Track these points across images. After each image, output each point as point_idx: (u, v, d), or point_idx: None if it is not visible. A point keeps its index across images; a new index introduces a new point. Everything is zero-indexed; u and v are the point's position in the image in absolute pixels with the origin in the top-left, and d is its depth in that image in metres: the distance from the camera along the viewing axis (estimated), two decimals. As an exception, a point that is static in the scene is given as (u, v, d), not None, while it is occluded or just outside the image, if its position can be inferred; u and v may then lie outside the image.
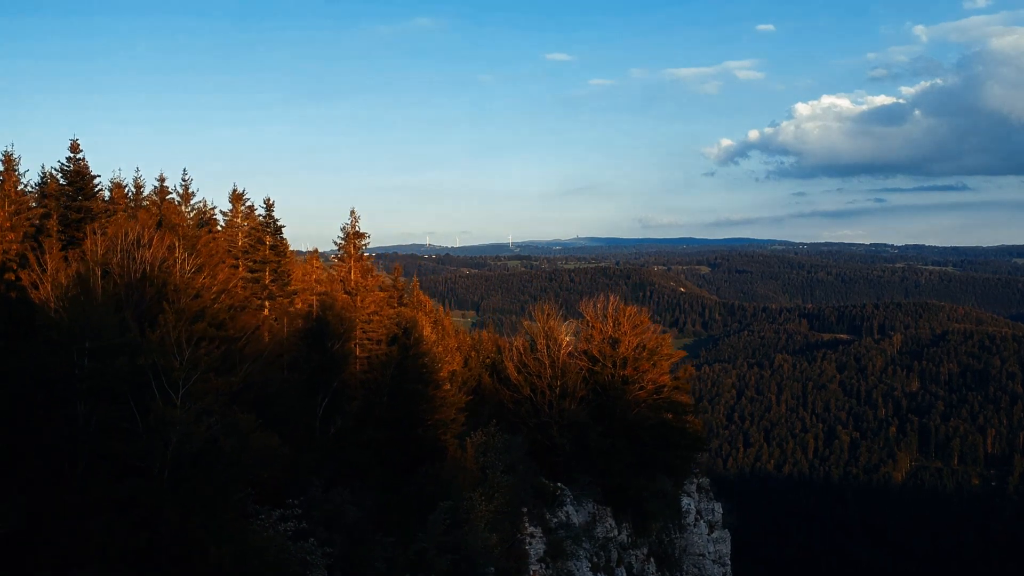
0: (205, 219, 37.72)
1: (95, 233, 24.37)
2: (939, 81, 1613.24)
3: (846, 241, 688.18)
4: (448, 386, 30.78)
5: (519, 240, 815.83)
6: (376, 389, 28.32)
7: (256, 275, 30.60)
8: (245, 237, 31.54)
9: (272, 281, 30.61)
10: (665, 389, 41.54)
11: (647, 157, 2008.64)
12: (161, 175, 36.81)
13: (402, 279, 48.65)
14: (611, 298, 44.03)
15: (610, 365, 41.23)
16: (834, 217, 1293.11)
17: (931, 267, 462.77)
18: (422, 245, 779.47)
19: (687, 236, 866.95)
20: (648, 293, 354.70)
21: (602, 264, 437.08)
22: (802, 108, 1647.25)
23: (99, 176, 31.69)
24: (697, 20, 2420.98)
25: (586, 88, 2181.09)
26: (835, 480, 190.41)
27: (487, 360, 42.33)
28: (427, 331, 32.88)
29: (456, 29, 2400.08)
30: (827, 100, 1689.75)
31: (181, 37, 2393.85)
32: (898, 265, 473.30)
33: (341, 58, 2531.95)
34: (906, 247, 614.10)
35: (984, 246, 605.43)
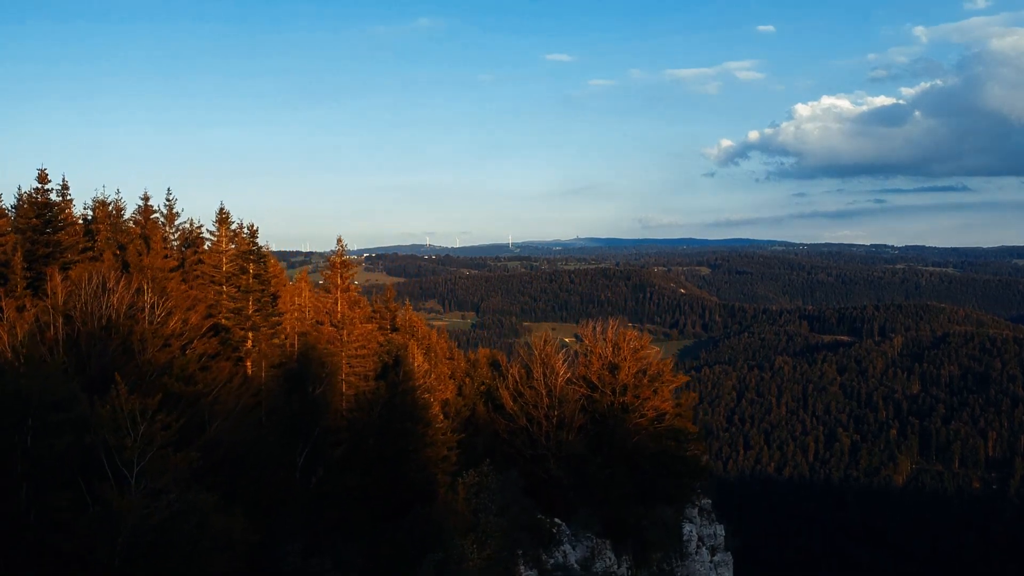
0: (191, 239, 36.71)
1: (61, 276, 23.05)
2: (939, 82, 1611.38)
3: (846, 242, 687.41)
4: (440, 421, 29.66)
5: (519, 240, 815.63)
6: (363, 429, 27.15)
7: (239, 305, 29.28)
8: (229, 263, 30.37)
9: (256, 311, 29.24)
10: (667, 417, 40.25)
11: (647, 157, 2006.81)
12: (145, 194, 35.78)
13: (394, 302, 46.92)
14: (611, 322, 42.59)
15: (609, 392, 39.92)
16: (834, 218, 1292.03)
17: (931, 268, 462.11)
18: (422, 245, 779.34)
19: (687, 236, 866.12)
20: (648, 294, 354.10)
21: (602, 265, 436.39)
22: (802, 109, 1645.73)
23: (74, 200, 30.84)
24: (697, 21, 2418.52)
25: (586, 89, 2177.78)
26: (836, 483, 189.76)
27: (482, 387, 40.54)
28: (418, 360, 31.74)
29: (456, 30, 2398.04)
30: (827, 101, 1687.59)
31: (181, 38, 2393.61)
32: (898, 266, 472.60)
33: (341, 58, 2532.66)
34: (906, 248, 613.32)
35: (984, 247, 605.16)
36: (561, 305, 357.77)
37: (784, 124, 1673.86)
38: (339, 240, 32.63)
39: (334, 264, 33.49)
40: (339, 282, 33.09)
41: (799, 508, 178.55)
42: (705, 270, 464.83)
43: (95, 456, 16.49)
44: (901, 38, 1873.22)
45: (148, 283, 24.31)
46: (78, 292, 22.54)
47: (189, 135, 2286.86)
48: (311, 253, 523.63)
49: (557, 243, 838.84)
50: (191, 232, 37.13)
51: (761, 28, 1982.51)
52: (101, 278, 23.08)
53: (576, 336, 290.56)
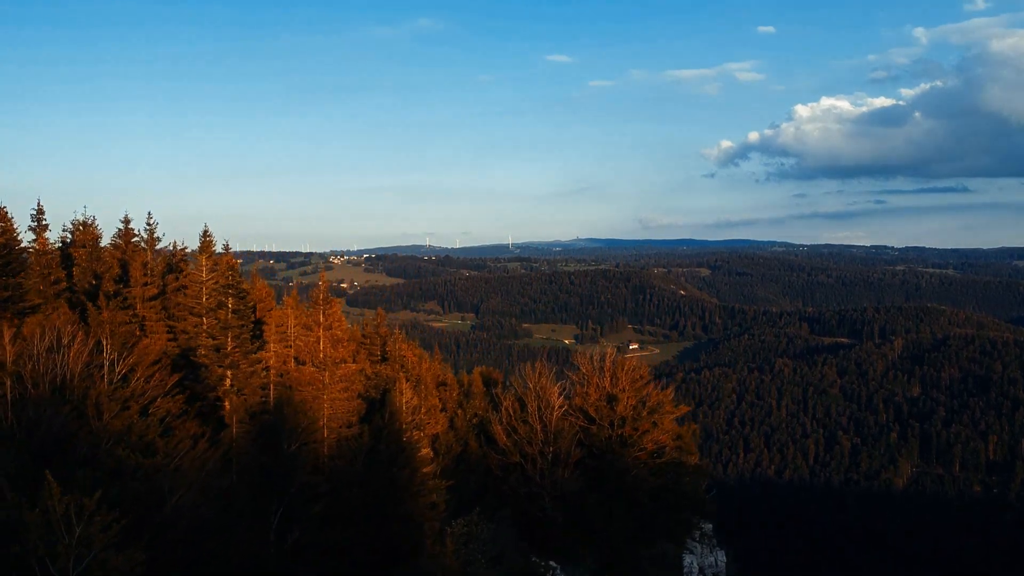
0: (174, 263, 35.88)
1: (12, 331, 21.43)
2: (939, 83, 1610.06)
3: (846, 243, 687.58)
4: (428, 464, 28.66)
5: (519, 241, 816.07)
6: (345, 478, 26.00)
7: (217, 342, 28.05)
8: (208, 296, 29.15)
9: (235, 347, 28.11)
10: (667, 450, 38.94)
11: (647, 158, 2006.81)
12: (126, 217, 34.98)
13: (384, 327, 45.59)
14: (608, 351, 41.20)
15: (607, 425, 38.56)
16: (834, 218, 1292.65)
17: (932, 269, 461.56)
18: (422, 246, 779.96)
19: (687, 237, 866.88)
20: (648, 296, 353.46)
21: (602, 266, 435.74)
22: (802, 110, 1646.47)
23: (50, 225, 29.99)
24: (697, 22, 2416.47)
25: (586, 89, 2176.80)
26: (836, 486, 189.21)
27: (474, 420, 39.24)
28: (407, 396, 30.68)
29: (456, 30, 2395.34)
30: (827, 102, 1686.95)
31: (181, 39, 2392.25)
32: (899, 267, 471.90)
33: (342, 59, 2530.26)
34: (906, 249, 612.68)
35: (984, 248, 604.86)
36: (561, 307, 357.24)
37: (784, 125, 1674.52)
38: (322, 274, 31.60)
39: (316, 300, 31.77)
40: (321, 320, 31.47)
41: (799, 511, 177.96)
42: (705, 271, 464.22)
43: (26, 564, 14.52)
44: (901, 39, 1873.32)
45: (108, 338, 22.60)
46: (30, 349, 21.06)
47: (189, 136, 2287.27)
48: (311, 254, 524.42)
49: (557, 244, 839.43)
50: (174, 255, 36.38)
51: (761, 29, 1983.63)
52: (56, 333, 21.56)
53: (576, 337, 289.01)
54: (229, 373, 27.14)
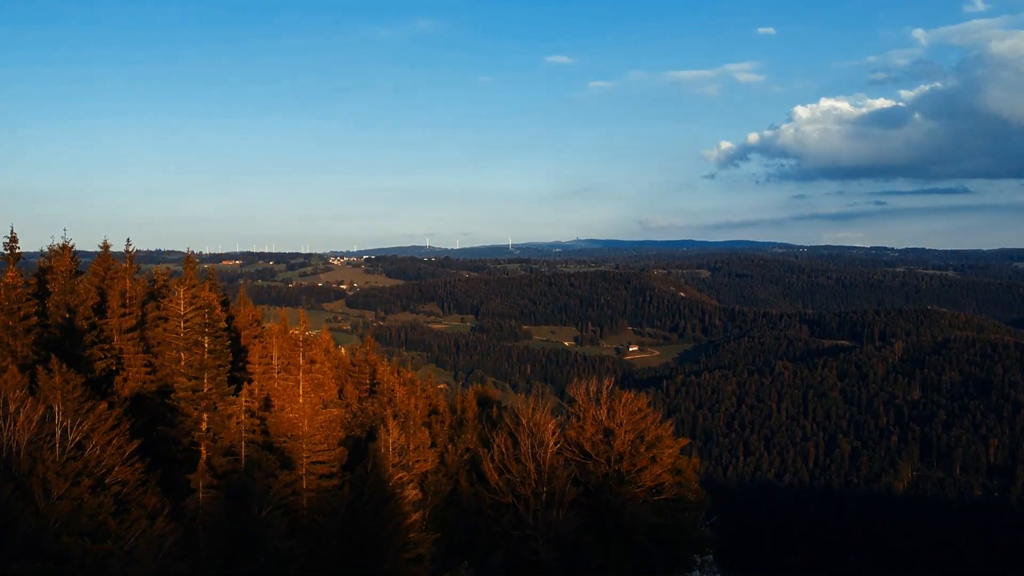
0: (156, 290, 34.85)
1: None
2: (939, 84, 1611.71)
3: (846, 244, 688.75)
4: (416, 513, 27.28)
5: (519, 242, 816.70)
6: (325, 534, 24.44)
7: (192, 384, 26.47)
8: (186, 330, 28.16)
9: (212, 388, 26.58)
10: (666, 487, 37.30)
11: (647, 159, 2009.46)
12: (104, 242, 33.96)
13: (374, 354, 43.93)
14: (606, 381, 39.55)
15: (604, 461, 37.16)
16: (834, 219, 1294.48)
17: (932, 271, 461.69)
18: (422, 247, 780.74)
19: (687, 238, 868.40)
20: (648, 298, 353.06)
21: (602, 268, 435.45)
22: (801, 111, 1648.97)
23: (23, 253, 28.93)
24: (697, 23, 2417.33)
25: (586, 90, 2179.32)
26: (836, 489, 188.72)
27: (466, 455, 37.39)
28: (394, 435, 29.38)
29: (456, 31, 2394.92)
30: (826, 103, 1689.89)
31: (181, 39, 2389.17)
32: (899, 269, 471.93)
33: (341, 59, 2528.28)
34: (906, 250, 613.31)
35: (984, 249, 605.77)
36: (561, 308, 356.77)
37: (784, 126, 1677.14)
38: (302, 316, 30.10)
39: (295, 341, 29.84)
40: (301, 362, 29.45)
41: (799, 514, 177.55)
42: (705, 273, 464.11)
43: None
44: (901, 40, 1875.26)
45: (59, 404, 20.38)
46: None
47: (189, 136, 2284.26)
48: (311, 255, 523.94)
49: (557, 244, 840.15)
50: (156, 281, 35.32)
51: (761, 30, 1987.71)
52: (2, 400, 19.45)
53: (576, 339, 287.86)
54: (206, 416, 25.91)
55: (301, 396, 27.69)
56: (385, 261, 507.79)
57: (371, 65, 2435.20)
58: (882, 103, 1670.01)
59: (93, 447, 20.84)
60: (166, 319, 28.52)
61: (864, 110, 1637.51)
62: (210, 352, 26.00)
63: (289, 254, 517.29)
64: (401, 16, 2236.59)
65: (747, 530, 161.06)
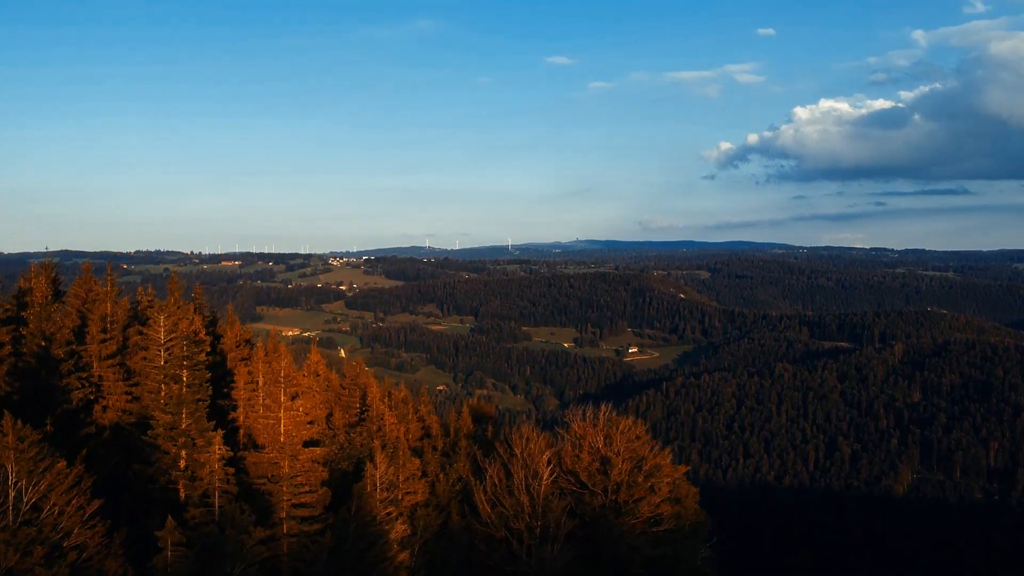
0: (140, 311, 33.80)
1: None
2: (938, 85, 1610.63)
3: (846, 245, 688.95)
4: (404, 553, 26.29)
5: (518, 242, 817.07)
6: None
7: (169, 420, 25.27)
8: (166, 360, 26.98)
9: (191, 423, 25.37)
10: (665, 518, 36.08)
11: (647, 160, 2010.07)
12: (86, 263, 33.31)
13: (364, 375, 42.34)
14: (602, 407, 38.25)
15: (600, 492, 35.95)
16: (834, 220, 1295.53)
17: (932, 272, 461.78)
18: (421, 247, 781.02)
19: (687, 239, 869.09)
20: (648, 299, 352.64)
21: (601, 269, 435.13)
22: (801, 112, 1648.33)
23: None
24: (697, 24, 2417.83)
25: (586, 91, 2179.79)
26: (836, 492, 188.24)
27: (458, 485, 35.86)
28: (382, 468, 28.33)
29: (456, 32, 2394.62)
30: (826, 104, 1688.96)
31: (180, 40, 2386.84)
32: (898, 271, 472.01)
33: (341, 59, 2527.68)
34: (906, 251, 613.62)
35: (984, 250, 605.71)
36: (560, 309, 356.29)
37: (783, 127, 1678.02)
38: (282, 350, 27.78)
39: (276, 376, 27.70)
40: (281, 399, 27.55)
41: (799, 517, 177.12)
42: (705, 274, 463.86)
43: None
44: (901, 41, 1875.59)
45: (12, 463, 18.58)
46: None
47: (188, 136, 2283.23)
48: (310, 255, 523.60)
49: (556, 245, 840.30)
50: (139, 302, 34.30)
51: (761, 31, 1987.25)
52: None
53: (576, 340, 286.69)
54: (183, 453, 24.77)
55: (283, 435, 26.54)
56: (384, 262, 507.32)
57: (371, 65, 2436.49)
58: (882, 104, 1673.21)
59: (50, 508, 19.50)
60: (147, 347, 27.47)
61: (864, 111, 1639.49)
62: (188, 386, 24.97)
63: (289, 254, 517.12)
64: (401, 16, 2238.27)
65: (747, 532, 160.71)
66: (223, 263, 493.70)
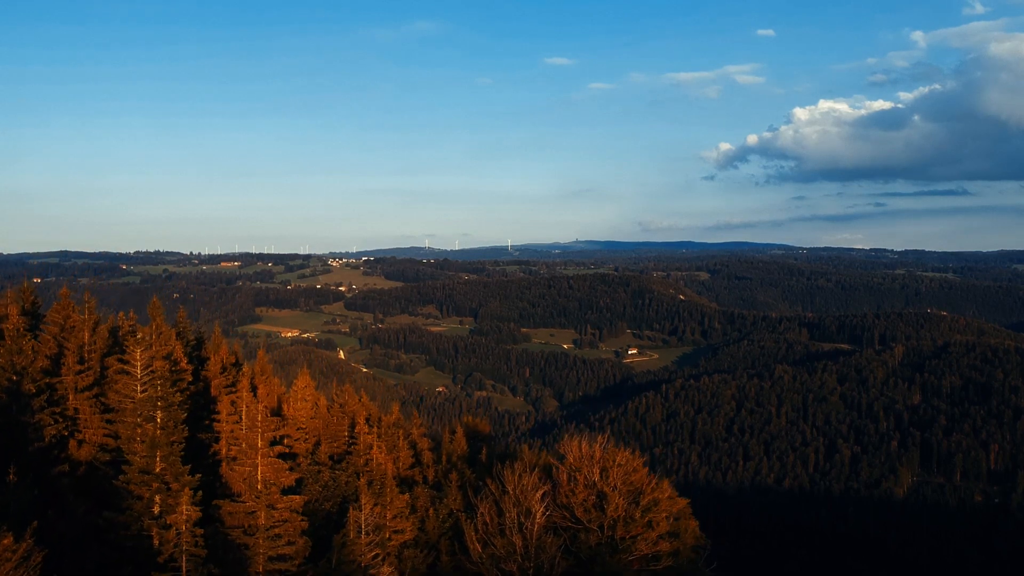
0: (120, 337, 32.76)
1: None
2: (938, 86, 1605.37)
3: (845, 245, 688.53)
4: None
5: (518, 243, 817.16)
6: None
7: (142, 464, 24.06)
8: (142, 391, 26.00)
9: (165, 468, 24.23)
10: (663, 556, 34.83)
11: (647, 161, 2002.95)
12: (64, 288, 32.53)
13: (355, 401, 40.86)
14: (598, 438, 36.84)
15: (596, 528, 34.66)
16: (834, 221, 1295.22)
17: (931, 274, 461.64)
18: (421, 248, 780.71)
19: (686, 240, 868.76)
20: (647, 300, 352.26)
21: (601, 271, 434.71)
22: (800, 112, 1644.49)
23: None
24: (697, 24, 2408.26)
25: (586, 92, 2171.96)
26: (836, 495, 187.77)
27: (448, 521, 34.60)
28: (366, 510, 27.18)
29: (455, 33, 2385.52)
30: (825, 105, 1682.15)
31: (179, 40, 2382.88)
32: (898, 272, 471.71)
33: (341, 60, 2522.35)
34: (906, 252, 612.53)
35: (984, 251, 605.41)
36: (560, 311, 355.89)
37: (783, 128, 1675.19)
38: (261, 387, 26.72)
39: (253, 421, 26.19)
40: (259, 444, 26.07)
41: (799, 520, 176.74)
42: (704, 275, 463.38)
43: None
44: (900, 42, 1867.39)
45: None
46: None
47: (187, 136, 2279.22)
48: (310, 256, 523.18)
49: (556, 246, 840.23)
50: (120, 328, 33.36)
51: (761, 32, 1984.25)
52: None
53: (575, 342, 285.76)
54: (157, 498, 23.60)
55: (260, 483, 25.47)
56: (384, 263, 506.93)
57: (371, 66, 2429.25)
58: (881, 105, 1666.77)
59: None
60: (123, 380, 26.45)
61: (863, 112, 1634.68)
62: (162, 428, 24.15)
63: (288, 255, 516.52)
64: (401, 17, 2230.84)
65: (747, 535, 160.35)
66: (222, 264, 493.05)
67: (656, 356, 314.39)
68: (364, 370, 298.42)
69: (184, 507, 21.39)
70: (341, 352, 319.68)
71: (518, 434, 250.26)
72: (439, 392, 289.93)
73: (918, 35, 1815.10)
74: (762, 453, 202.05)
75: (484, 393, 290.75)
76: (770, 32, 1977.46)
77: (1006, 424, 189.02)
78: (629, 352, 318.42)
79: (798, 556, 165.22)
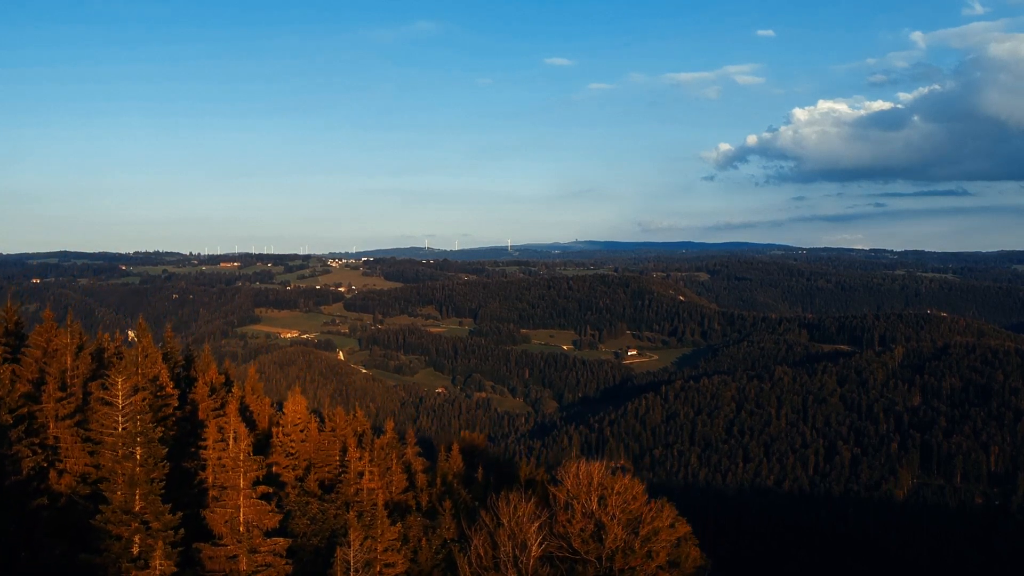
0: (108, 357, 32.46)
1: None
2: (937, 87, 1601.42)
3: (845, 246, 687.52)
4: None
5: (518, 243, 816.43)
6: None
7: (121, 503, 23.21)
8: (124, 423, 24.85)
9: (145, 506, 23.31)
10: None
11: (646, 161, 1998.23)
12: (48, 311, 31.88)
13: (346, 424, 39.92)
14: (595, 466, 35.75)
15: (594, 560, 33.83)
16: (834, 221, 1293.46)
17: (931, 274, 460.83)
18: (421, 248, 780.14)
19: (686, 240, 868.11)
20: (647, 301, 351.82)
21: (601, 271, 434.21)
22: (800, 113, 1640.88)
23: None
24: (697, 25, 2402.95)
25: (586, 92, 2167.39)
26: (836, 496, 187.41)
27: (441, 553, 33.60)
28: (355, 546, 26.39)
29: (455, 33, 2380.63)
30: (825, 105, 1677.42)
31: (178, 40, 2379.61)
32: (898, 272, 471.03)
33: (341, 60, 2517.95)
34: (906, 252, 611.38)
35: (984, 252, 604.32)
36: (559, 311, 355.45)
37: (783, 128, 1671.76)
38: (242, 431, 24.85)
39: (235, 460, 25.27)
40: (241, 483, 25.06)
41: (799, 521, 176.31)
42: (704, 276, 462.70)
43: None
44: (900, 43, 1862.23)
45: None
46: None
47: (187, 136, 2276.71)
48: (309, 256, 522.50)
49: (556, 246, 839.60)
50: (106, 348, 32.84)
51: (760, 32, 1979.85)
52: None
53: (575, 343, 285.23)
54: (136, 539, 22.75)
55: (242, 526, 24.51)
56: (383, 263, 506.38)
57: (370, 66, 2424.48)
58: (881, 105, 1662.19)
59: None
60: (107, 403, 25.73)
61: (863, 112, 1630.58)
62: (142, 465, 23.56)
63: (288, 256, 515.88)
64: (401, 17, 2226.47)
65: (747, 536, 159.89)
66: (222, 264, 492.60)
67: (656, 357, 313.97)
68: (363, 371, 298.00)
69: (158, 561, 20.70)
70: (340, 353, 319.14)
71: (517, 435, 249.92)
72: (438, 393, 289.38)
73: (918, 35, 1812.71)
74: (762, 454, 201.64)
75: (484, 394, 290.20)
76: (770, 32, 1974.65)
77: (1006, 426, 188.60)
78: (629, 353, 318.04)
79: (798, 557, 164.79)
